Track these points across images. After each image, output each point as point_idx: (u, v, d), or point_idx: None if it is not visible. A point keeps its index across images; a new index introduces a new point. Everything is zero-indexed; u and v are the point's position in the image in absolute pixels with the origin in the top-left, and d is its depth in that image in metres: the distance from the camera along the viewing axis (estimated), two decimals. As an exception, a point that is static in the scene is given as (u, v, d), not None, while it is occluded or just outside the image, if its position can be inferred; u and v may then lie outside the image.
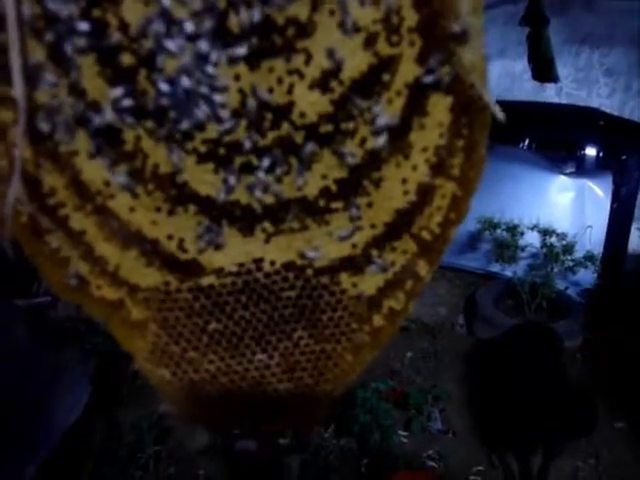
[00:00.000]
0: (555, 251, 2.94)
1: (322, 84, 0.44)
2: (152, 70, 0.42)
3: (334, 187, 0.46)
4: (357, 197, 0.46)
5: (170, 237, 0.45)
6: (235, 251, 0.46)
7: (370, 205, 0.47)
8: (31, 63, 0.41)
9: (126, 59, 0.42)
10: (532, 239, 3.02)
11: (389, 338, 0.50)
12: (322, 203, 0.46)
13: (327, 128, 0.44)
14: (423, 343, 3.09)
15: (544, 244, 2.99)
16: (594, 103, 2.70)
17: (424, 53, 0.45)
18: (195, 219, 0.45)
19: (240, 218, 0.46)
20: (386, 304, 0.49)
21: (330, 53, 0.43)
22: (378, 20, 0.44)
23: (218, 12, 0.41)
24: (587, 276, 3.01)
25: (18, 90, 0.41)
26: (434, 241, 0.48)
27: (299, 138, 0.44)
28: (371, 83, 0.45)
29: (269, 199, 0.46)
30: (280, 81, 0.43)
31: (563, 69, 2.73)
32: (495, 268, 3.27)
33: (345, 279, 0.48)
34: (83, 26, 0.41)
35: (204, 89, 0.42)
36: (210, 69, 0.42)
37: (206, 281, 0.47)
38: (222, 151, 0.44)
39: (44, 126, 0.43)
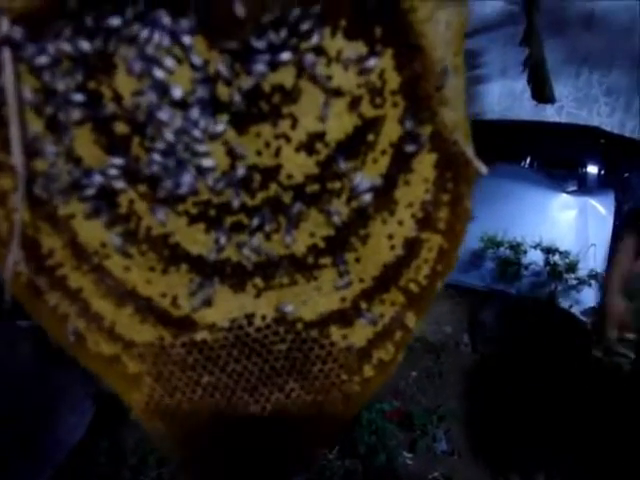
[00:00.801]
0: (558, 269, 2.93)
1: (308, 147, 0.45)
2: (145, 137, 0.44)
3: (322, 244, 0.47)
4: (345, 253, 0.48)
5: (164, 295, 0.47)
6: (227, 307, 0.48)
7: (358, 260, 0.48)
8: (30, 134, 0.43)
9: (120, 128, 0.44)
10: (535, 257, 3.02)
11: (379, 387, 0.51)
12: (310, 259, 0.48)
13: (314, 188, 0.46)
14: (428, 362, 3.07)
15: (547, 262, 2.98)
16: (594, 122, 2.71)
17: (407, 113, 0.47)
18: (187, 277, 0.47)
19: (231, 275, 0.47)
20: (376, 355, 0.51)
21: (315, 117, 0.45)
22: (362, 84, 0.46)
23: (209, 82, 0.43)
24: (591, 294, 3.00)
25: (17, 160, 0.43)
26: (422, 293, 0.50)
27: (287, 198, 0.46)
28: (356, 144, 0.46)
29: (259, 256, 0.47)
30: (267, 145, 0.45)
31: (563, 89, 2.75)
32: (499, 286, 3.26)
33: (335, 332, 0.50)
34: (78, 97, 0.43)
35: (194, 154, 0.44)
36: (199, 135, 0.44)
37: (199, 336, 0.48)
38: (213, 212, 0.46)
39: (42, 192, 0.45)
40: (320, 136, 0.46)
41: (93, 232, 0.46)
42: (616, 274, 1.96)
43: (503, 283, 3.19)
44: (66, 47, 0.42)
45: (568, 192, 3.08)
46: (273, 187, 0.46)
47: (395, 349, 0.51)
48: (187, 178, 0.44)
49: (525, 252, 3.04)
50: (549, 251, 2.96)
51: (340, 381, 0.50)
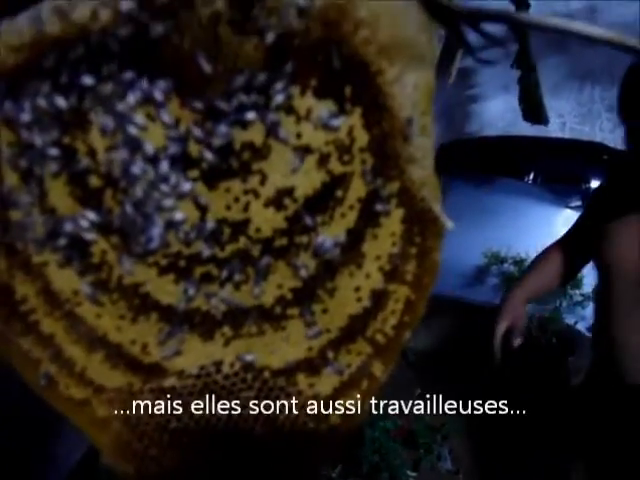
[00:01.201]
0: (563, 285, 2.93)
1: (276, 202, 0.47)
2: (117, 190, 0.46)
3: (289, 295, 0.49)
4: (312, 304, 0.50)
5: (134, 342, 0.49)
6: (196, 354, 0.50)
7: (325, 311, 0.50)
8: (5, 187, 0.45)
9: (93, 181, 0.46)
10: (539, 273, 3.01)
11: (345, 436, 0.53)
12: (278, 310, 0.49)
13: (282, 242, 0.48)
14: (430, 378, 3.07)
15: (552, 278, 2.98)
16: (597, 137, 2.73)
17: (375, 170, 0.48)
18: (157, 326, 0.49)
19: (200, 324, 0.49)
20: (343, 402, 0.52)
21: (284, 174, 0.47)
22: (330, 141, 0.47)
23: (181, 140, 0.45)
24: (596, 311, 3.00)
25: (-8, 211, 0.45)
26: (388, 343, 0.51)
27: (256, 251, 0.48)
28: (324, 199, 0.48)
29: (228, 306, 0.49)
30: (237, 200, 0.47)
31: (566, 104, 2.76)
32: (502, 302, 3.25)
33: (302, 380, 0.51)
34: (53, 152, 0.45)
35: (164, 208, 0.46)
36: (170, 190, 0.46)
37: (168, 382, 0.50)
38: (182, 263, 0.48)
39: (17, 241, 0.47)
40: (289, 192, 0.47)
41: (66, 280, 0.48)
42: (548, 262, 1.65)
43: (507, 299, 3.19)
44: (43, 104, 0.44)
45: (572, 207, 3.07)
46: (242, 240, 0.48)
47: (362, 397, 0.52)
48: (157, 231, 0.46)
49: (529, 268, 3.04)
50: (553, 267, 2.94)
51: (306, 429, 0.51)
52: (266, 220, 0.47)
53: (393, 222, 0.50)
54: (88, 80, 0.44)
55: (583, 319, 3.06)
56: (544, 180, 3.24)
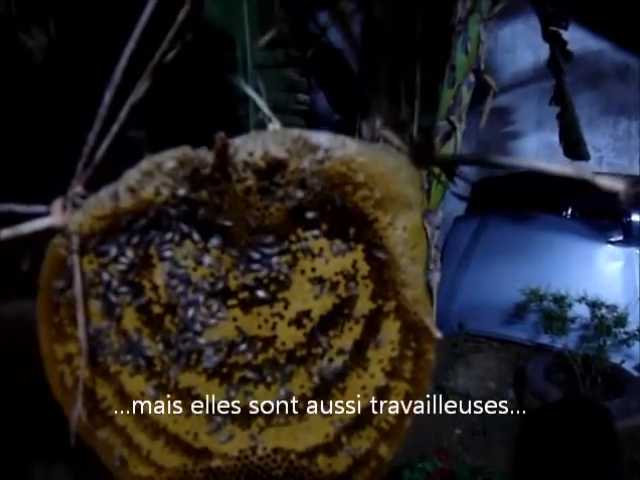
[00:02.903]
0: (606, 323, 2.98)
1: (297, 322, 0.64)
2: (174, 316, 0.63)
3: (310, 393, 0.65)
4: (328, 400, 0.65)
5: (187, 432, 0.66)
6: (236, 440, 0.66)
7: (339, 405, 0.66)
8: (91, 319, 0.63)
9: (156, 309, 0.63)
10: (581, 310, 3.07)
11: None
12: (301, 405, 0.65)
13: (302, 353, 0.64)
14: (472, 419, 3.13)
15: (594, 316, 3.03)
16: (635, 171, 2.82)
17: (376, 293, 0.64)
18: (206, 419, 0.65)
19: (240, 417, 0.66)
20: (355, 479, 0.67)
21: (303, 300, 0.63)
22: (339, 272, 0.63)
23: (222, 277, 0.62)
24: (643, 349, 3.03)
25: (81, 334, 0.62)
26: (392, 429, 0.66)
27: (282, 360, 0.64)
28: (335, 317, 0.64)
29: (260, 402, 0.65)
30: (266, 321, 0.64)
31: (602, 139, 2.86)
32: (545, 340, 3.32)
33: (321, 461, 0.67)
34: (125, 289, 0.63)
35: (209, 332, 0.63)
36: (214, 316, 0.63)
37: (214, 463, 0.66)
38: (225, 370, 0.64)
39: (98, 355, 0.64)
40: (307, 313, 0.64)
41: (135, 384, 0.65)
42: None
43: (549, 336, 3.24)
44: (119, 258, 0.61)
45: (613, 242, 3.14)
46: (271, 351, 0.64)
47: (370, 474, 0.67)
48: (210, 352, 0.63)
49: (570, 305, 3.09)
50: (595, 305, 3.01)
51: (326, 500, 0.67)
52: (289, 336, 0.64)
53: (392, 332, 0.65)
54: (153, 233, 0.61)
55: (630, 358, 3.09)
56: (582, 215, 3.31)
